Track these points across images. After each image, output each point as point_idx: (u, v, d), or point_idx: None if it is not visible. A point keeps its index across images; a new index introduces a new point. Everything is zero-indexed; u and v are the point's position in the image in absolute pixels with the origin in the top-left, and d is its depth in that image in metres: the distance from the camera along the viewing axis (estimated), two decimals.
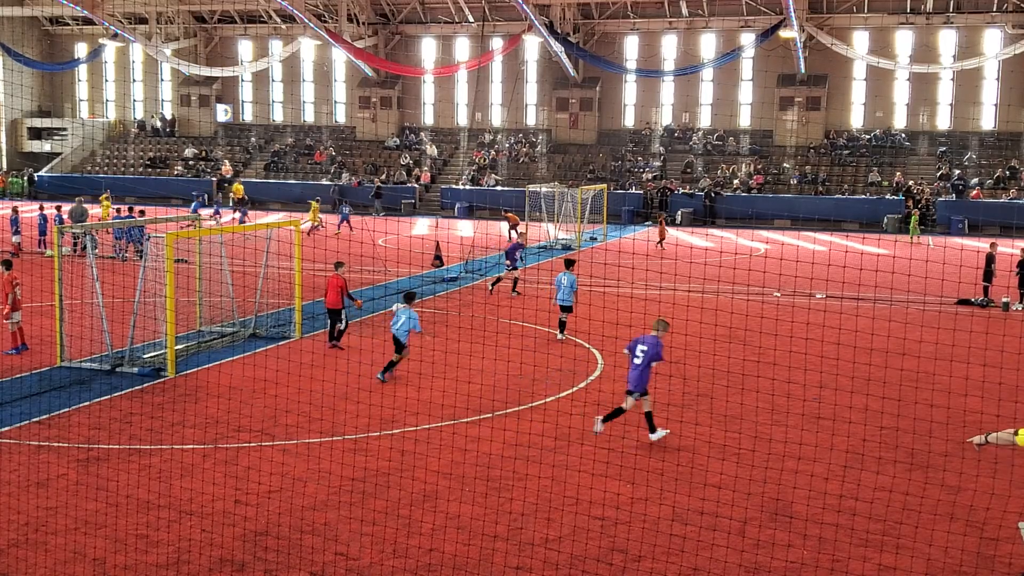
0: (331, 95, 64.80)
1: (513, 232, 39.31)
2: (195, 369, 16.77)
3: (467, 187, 55.75)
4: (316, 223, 40.84)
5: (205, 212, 43.10)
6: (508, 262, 25.34)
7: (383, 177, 57.24)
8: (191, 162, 62.16)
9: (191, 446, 12.59)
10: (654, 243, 37.38)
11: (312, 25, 54.38)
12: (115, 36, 60.15)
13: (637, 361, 12.82)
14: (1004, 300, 24.54)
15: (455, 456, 12.13)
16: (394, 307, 16.82)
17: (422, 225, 47.88)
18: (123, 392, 15.15)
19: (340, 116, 65.08)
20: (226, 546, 9.50)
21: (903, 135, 54.21)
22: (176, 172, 61.25)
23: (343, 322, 18.86)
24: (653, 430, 12.99)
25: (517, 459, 12.07)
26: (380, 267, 29.61)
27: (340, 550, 9.46)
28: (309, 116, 65.55)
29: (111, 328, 17.01)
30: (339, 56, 61.65)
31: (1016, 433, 8.20)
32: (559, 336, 19.84)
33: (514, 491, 11.02)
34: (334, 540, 9.67)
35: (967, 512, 10.47)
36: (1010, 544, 9.77)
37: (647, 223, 49.45)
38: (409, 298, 16.61)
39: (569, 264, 20.54)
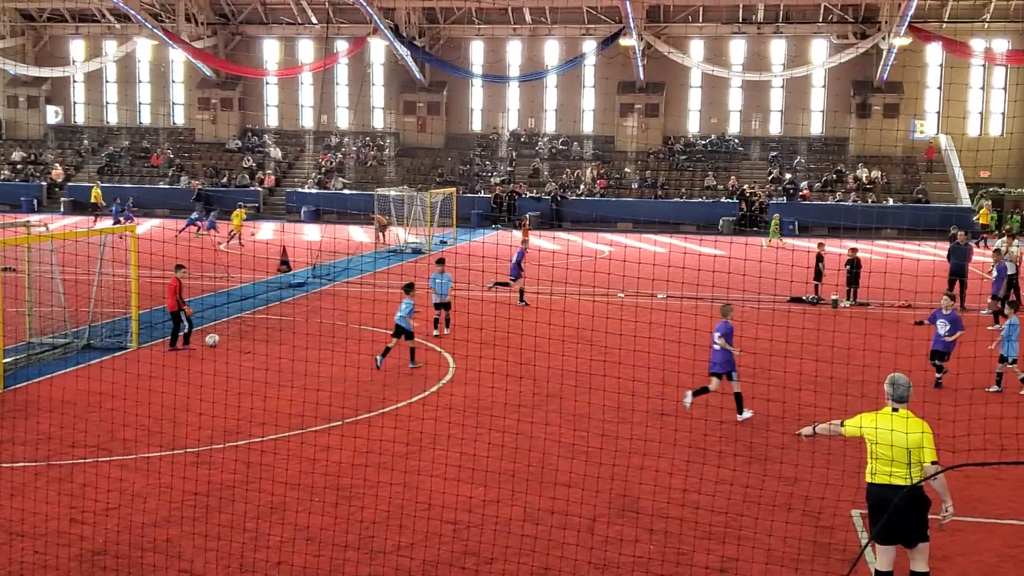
0: (169, 96, 62.65)
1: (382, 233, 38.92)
2: (25, 383, 15.91)
3: (313, 190, 54.86)
4: (238, 233, 39.15)
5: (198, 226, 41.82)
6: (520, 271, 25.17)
7: (202, 181, 55.37)
8: (19, 166, 59.00)
9: (22, 464, 11.92)
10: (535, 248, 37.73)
11: (148, 25, 52.45)
12: None
13: (716, 346, 14.49)
14: (833, 298, 25.81)
15: (303, 466, 11.89)
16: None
17: (267, 229, 46.82)
18: None
19: (178, 118, 63.02)
20: (61, 568, 9.03)
21: (737, 140, 56.49)
22: (3, 176, 58.02)
23: (187, 325, 18.58)
24: (741, 411, 14.49)
25: (368, 466, 11.93)
26: (222, 272, 28.79)
27: (184, 567, 9.13)
28: (146, 118, 63.20)
29: None
30: (177, 56, 59.68)
31: (843, 424, 8.63)
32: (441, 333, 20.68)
33: (365, 499, 10.88)
34: (177, 557, 9.32)
35: (803, 502, 10.95)
36: (844, 532, 10.27)
37: (495, 226, 49.79)
38: (409, 288, 17.75)
39: (440, 263, 21.03)
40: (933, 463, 8.00)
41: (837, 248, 31.05)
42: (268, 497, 10.89)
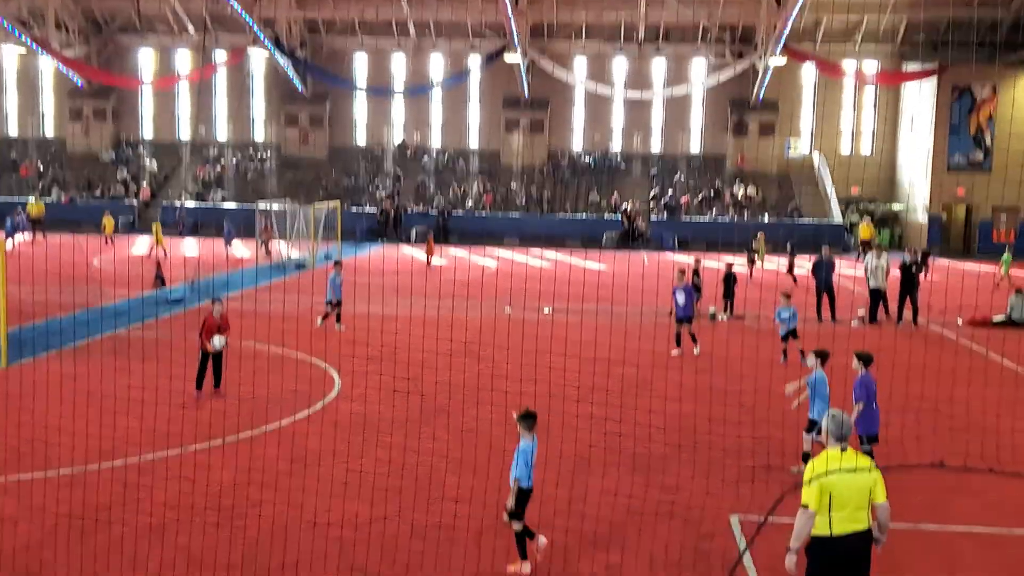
0: (38, 106, 60.36)
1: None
2: None
3: (191, 203, 53.56)
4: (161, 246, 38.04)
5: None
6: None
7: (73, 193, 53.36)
8: None
9: None
10: (423, 262, 37.91)
11: (16, 32, 50.44)
12: None
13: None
14: (711, 310, 26.48)
15: (183, 486, 11.58)
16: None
17: (143, 243, 45.48)
18: None
19: (48, 129, 60.73)
20: None
21: (619, 157, 57.53)
22: None
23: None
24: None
25: (251, 485, 11.71)
26: (95, 288, 27.82)
27: None
28: (12, 129, 60.71)
29: None
30: (47, 65, 57.54)
31: (805, 507, 7.61)
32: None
33: (248, 519, 10.67)
34: None
35: (684, 511, 11.21)
36: (723, 538, 10.54)
37: (381, 240, 49.53)
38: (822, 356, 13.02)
39: (337, 264, 23.34)
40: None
41: (715, 263, 31.93)
42: (146, 518, 10.58)
